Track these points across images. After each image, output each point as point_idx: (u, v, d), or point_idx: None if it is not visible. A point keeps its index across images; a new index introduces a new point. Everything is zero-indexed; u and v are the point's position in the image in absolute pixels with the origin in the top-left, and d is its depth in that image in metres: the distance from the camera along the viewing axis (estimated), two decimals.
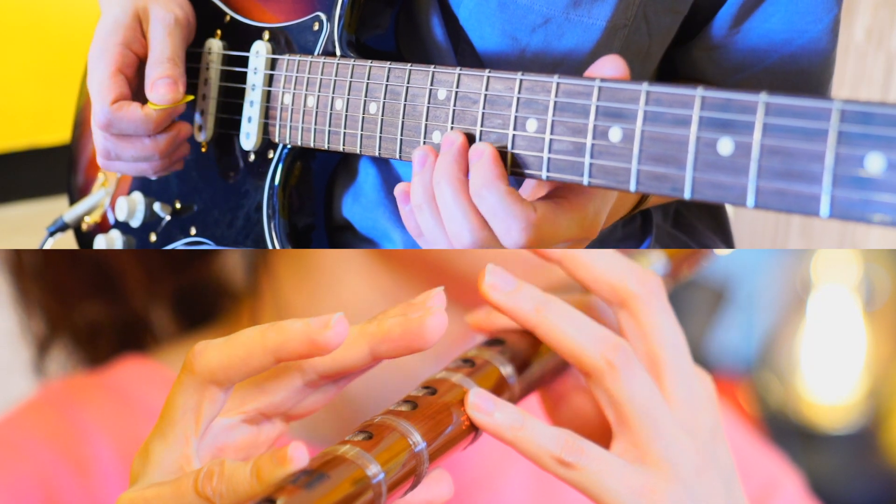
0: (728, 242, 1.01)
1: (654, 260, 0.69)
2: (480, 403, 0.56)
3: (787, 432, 1.55)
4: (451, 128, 0.71)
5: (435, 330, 0.53)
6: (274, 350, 0.52)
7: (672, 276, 0.70)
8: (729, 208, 1.09)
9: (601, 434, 0.59)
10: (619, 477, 0.56)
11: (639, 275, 0.60)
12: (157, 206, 0.94)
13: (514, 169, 0.68)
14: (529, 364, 0.61)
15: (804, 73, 0.86)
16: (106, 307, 0.82)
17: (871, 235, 1.81)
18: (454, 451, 0.56)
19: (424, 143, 0.73)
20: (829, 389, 1.58)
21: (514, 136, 0.67)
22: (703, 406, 0.59)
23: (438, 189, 0.68)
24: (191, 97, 0.88)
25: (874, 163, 0.51)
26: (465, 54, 0.83)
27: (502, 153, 0.68)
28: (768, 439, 1.45)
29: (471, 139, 0.69)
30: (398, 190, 0.72)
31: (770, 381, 1.58)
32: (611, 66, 0.64)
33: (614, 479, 0.56)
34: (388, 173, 0.87)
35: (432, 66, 0.73)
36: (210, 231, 0.91)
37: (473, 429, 0.57)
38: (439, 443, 0.55)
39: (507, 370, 0.59)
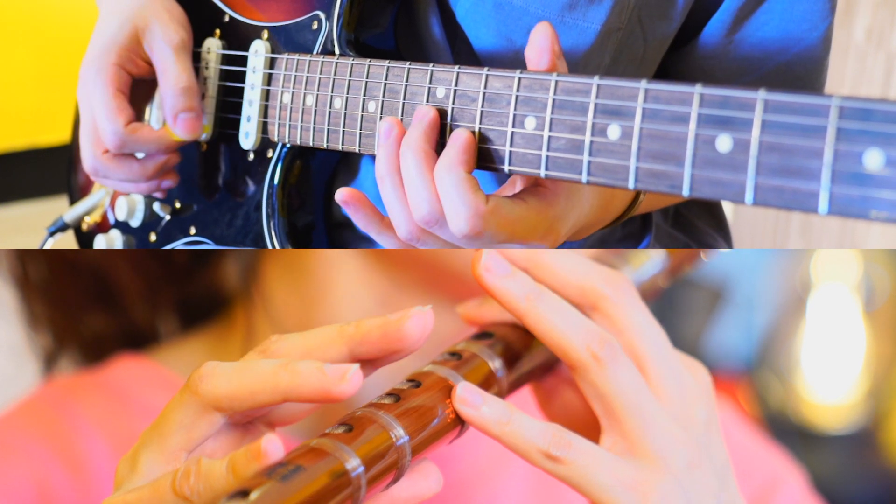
0: (727, 240, 1.01)
1: (653, 256, 0.69)
2: (468, 397, 0.56)
3: (787, 432, 1.55)
4: (451, 126, 0.71)
5: (415, 332, 0.53)
6: (285, 392, 0.52)
7: (671, 272, 0.70)
8: (728, 207, 1.09)
9: (595, 428, 0.59)
10: (608, 471, 0.56)
11: (606, 276, 0.59)
12: (156, 206, 0.94)
13: (511, 167, 0.68)
14: (519, 358, 0.60)
15: (799, 80, 0.86)
16: (101, 307, 0.82)
17: (871, 235, 1.81)
18: (439, 445, 0.56)
19: None
20: (829, 389, 1.58)
21: (512, 133, 0.67)
22: (695, 399, 0.59)
23: (403, 158, 0.69)
24: (208, 129, 0.89)
25: (873, 159, 0.51)
26: (462, 53, 0.83)
27: (497, 149, 0.68)
28: (768, 439, 1.45)
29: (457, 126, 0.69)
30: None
31: (770, 380, 1.59)
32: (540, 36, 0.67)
33: (603, 472, 0.56)
34: None
35: (431, 65, 0.73)
36: (209, 230, 0.91)
37: (459, 422, 0.56)
38: (423, 436, 0.54)
39: (495, 364, 0.59)
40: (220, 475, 0.50)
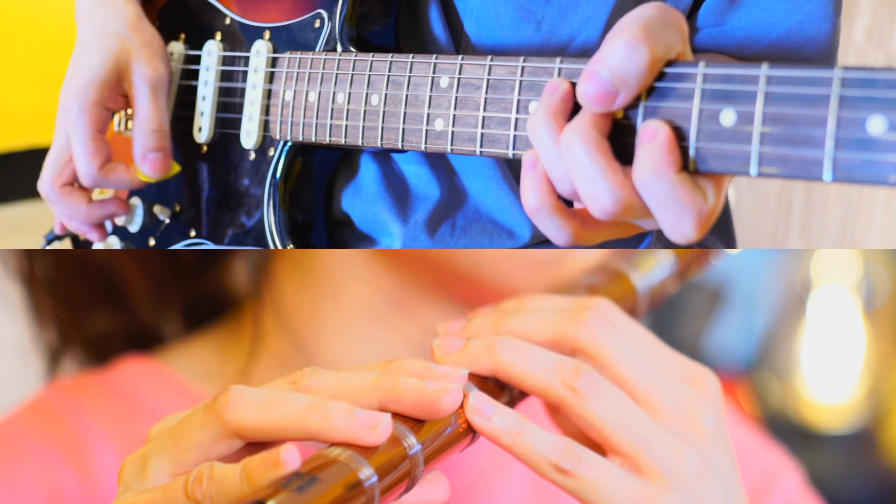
0: (730, 244, 1.01)
1: (662, 259, 0.69)
2: (480, 407, 0.56)
3: (787, 432, 1.54)
4: (454, 115, 0.71)
5: (449, 407, 0.54)
6: (314, 434, 0.52)
7: (679, 276, 0.70)
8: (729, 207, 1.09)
9: None
10: (616, 485, 0.56)
11: (573, 317, 0.60)
12: (156, 209, 0.94)
13: (515, 152, 0.68)
14: None
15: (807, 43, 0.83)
16: (107, 308, 0.83)
17: (871, 235, 1.81)
18: (451, 454, 0.56)
19: (427, 131, 0.73)
20: (829, 389, 1.58)
21: (516, 119, 0.68)
22: (698, 408, 0.59)
23: (568, 148, 0.60)
24: (178, 169, 0.90)
25: (876, 125, 0.52)
26: (469, 48, 0.83)
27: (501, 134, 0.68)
28: (766, 438, 1.45)
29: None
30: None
31: (770, 380, 1.58)
32: None
33: (612, 487, 0.56)
34: (389, 167, 0.87)
35: (434, 56, 0.73)
36: (210, 232, 0.91)
37: (471, 431, 0.56)
38: (435, 445, 0.54)
39: None
40: (233, 481, 0.50)
